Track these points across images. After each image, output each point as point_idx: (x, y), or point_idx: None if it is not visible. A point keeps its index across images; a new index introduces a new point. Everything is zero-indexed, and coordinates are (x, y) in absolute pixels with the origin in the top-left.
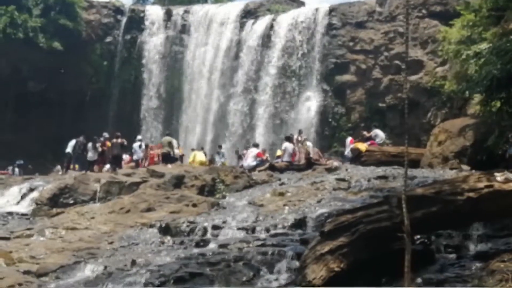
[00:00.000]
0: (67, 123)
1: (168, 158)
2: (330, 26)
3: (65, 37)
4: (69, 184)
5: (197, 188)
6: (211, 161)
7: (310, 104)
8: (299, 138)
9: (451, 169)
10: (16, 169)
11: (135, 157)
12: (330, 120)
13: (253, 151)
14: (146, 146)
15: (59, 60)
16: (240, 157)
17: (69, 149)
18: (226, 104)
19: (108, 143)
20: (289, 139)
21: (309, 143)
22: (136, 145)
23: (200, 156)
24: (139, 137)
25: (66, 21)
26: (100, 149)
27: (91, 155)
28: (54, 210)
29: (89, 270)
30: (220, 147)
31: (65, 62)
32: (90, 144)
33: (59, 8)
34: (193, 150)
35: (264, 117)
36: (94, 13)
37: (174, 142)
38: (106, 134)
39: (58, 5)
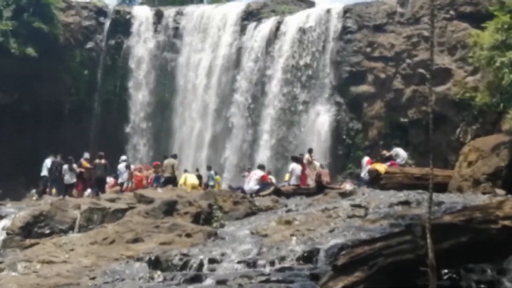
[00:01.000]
0: (43, 140)
1: (171, 183)
2: (344, 30)
3: (40, 42)
4: (44, 211)
5: (191, 216)
6: (207, 184)
7: (322, 119)
8: (310, 158)
9: (484, 193)
10: None
11: (120, 180)
12: (344, 137)
13: (257, 173)
14: (128, 166)
15: (33, 68)
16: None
17: (44, 171)
18: (225, 119)
19: (85, 164)
20: (296, 159)
21: (316, 163)
22: (121, 166)
23: (192, 179)
24: (123, 157)
25: (41, 24)
26: (77, 170)
27: (68, 178)
28: (28, 241)
29: None
30: (209, 168)
31: (40, 70)
32: (66, 166)
33: (33, 10)
34: (186, 171)
35: (268, 134)
36: (73, 15)
37: (177, 164)
38: (86, 155)
39: (31, 6)
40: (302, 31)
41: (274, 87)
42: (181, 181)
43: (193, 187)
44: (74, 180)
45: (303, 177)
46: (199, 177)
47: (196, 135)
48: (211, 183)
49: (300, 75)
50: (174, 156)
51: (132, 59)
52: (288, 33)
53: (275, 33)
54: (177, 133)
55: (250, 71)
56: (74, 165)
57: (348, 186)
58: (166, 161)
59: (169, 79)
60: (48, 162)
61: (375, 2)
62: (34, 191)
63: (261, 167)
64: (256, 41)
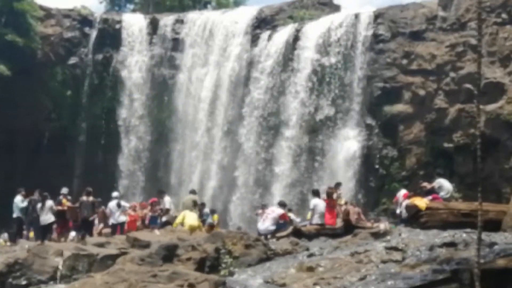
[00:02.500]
0: (18, 175)
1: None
2: (375, 38)
3: (14, 58)
4: (20, 259)
5: (195, 262)
6: (212, 225)
7: (350, 144)
8: (338, 192)
9: None
10: None
11: (111, 220)
12: (376, 166)
13: (276, 211)
14: (119, 204)
15: (5, 89)
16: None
17: (16, 212)
18: (233, 146)
19: (65, 202)
20: (318, 193)
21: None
22: (112, 205)
23: (191, 219)
24: (115, 193)
25: (15, 36)
26: (54, 208)
27: (43, 218)
28: None
29: None
30: (203, 205)
31: (14, 92)
32: (39, 205)
33: (5, 20)
34: (192, 193)
35: (286, 164)
36: (53, 25)
37: (195, 200)
38: (64, 190)
39: (3, 15)
40: (325, 40)
41: (292, 108)
42: (178, 219)
43: (192, 228)
44: (52, 219)
45: (330, 215)
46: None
47: (200, 165)
48: (209, 219)
49: (323, 93)
50: (193, 192)
51: (123, 77)
52: (309, 43)
53: (293, 44)
54: (177, 163)
55: (264, 89)
56: (49, 202)
57: (383, 225)
58: (186, 198)
59: (167, 100)
60: (18, 200)
61: (411, 5)
62: (6, 234)
63: (282, 204)
64: (271, 53)
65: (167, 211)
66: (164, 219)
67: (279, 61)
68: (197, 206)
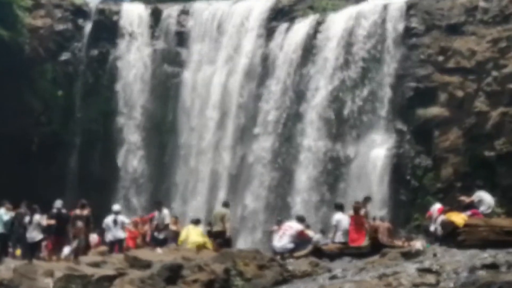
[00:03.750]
0: (3, 186)
1: (224, 241)
2: (407, 32)
3: None
4: (5, 280)
5: (202, 285)
6: (221, 243)
7: (378, 152)
8: (367, 208)
9: None
10: None
11: (109, 237)
12: (408, 177)
13: (293, 227)
14: (115, 221)
15: None
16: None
17: (0, 227)
18: (246, 153)
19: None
20: (342, 207)
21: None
22: (109, 219)
23: (195, 235)
24: (116, 207)
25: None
26: (44, 223)
27: (32, 234)
28: None
29: None
30: (197, 221)
31: None
32: (26, 218)
33: None
34: (195, 223)
35: (305, 172)
36: (43, 17)
37: (225, 214)
38: (58, 203)
39: None
40: (350, 34)
41: (312, 110)
42: (182, 236)
43: (197, 246)
44: (40, 237)
45: (356, 235)
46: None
47: (208, 174)
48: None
49: (348, 93)
50: (226, 204)
51: (121, 75)
52: (332, 37)
53: (314, 37)
54: (182, 170)
55: (281, 88)
56: (37, 216)
57: (419, 244)
58: (215, 211)
59: (171, 101)
60: (1, 213)
61: None
62: None
63: (301, 219)
64: (289, 48)
65: (166, 226)
66: (161, 236)
67: (298, 58)
68: (227, 221)
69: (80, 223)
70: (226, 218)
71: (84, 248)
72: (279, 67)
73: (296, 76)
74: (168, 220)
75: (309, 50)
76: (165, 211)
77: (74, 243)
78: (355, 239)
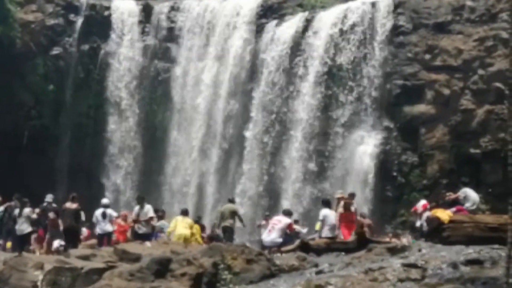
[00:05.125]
0: None
1: (229, 235)
2: (395, 30)
3: None
4: None
5: (190, 278)
6: (213, 237)
7: (364, 149)
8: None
9: None
10: None
11: (97, 230)
12: (394, 173)
13: (282, 221)
14: (104, 214)
15: None
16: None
17: None
18: (236, 149)
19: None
20: (328, 203)
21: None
22: (98, 212)
23: (183, 227)
24: (104, 200)
25: None
26: (33, 216)
27: (21, 227)
28: None
29: None
30: (186, 212)
31: None
32: (16, 211)
33: None
34: (183, 214)
35: (293, 168)
36: (34, 11)
37: (237, 209)
38: (49, 197)
39: None
40: (339, 31)
41: (301, 107)
42: (170, 227)
43: (184, 239)
44: (29, 229)
45: (349, 231)
46: (202, 228)
47: (197, 169)
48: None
49: (336, 90)
50: (232, 201)
51: (111, 70)
52: (321, 35)
53: (303, 35)
54: (171, 167)
55: (270, 84)
56: (27, 210)
57: (406, 240)
58: (224, 207)
59: (161, 97)
60: None
61: None
62: None
63: (288, 213)
64: (278, 45)
65: (149, 220)
66: (141, 231)
67: (287, 55)
68: (237, 217)
69: (51, 214)
70: (237, 213)
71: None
72: (268, 64)
73: (284, 73)
74: (151, 214)
75: (298, 47)
76: (147, 206)
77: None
78: (348, 236)
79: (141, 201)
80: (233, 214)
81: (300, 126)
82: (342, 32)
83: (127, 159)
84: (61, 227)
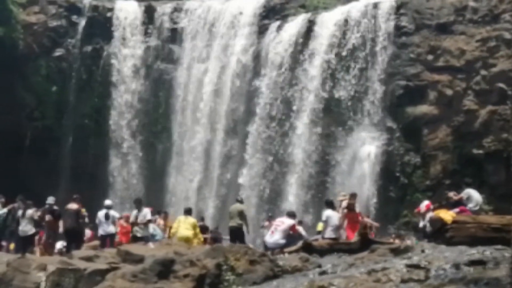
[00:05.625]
0: None
1: (238, 236)
2: (397, 31)
3: None
4: None
5: (193, 279)
6: (215, 238)
7: (367, 149)
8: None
9: None
10: None
11: (100, 231)
12: (397, 174)
13: (286, 223)
14: (107, 215)
15: None
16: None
17: None
18: (238, 150)
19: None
20: (332, 204)
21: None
22: (101, 214)
23: (184, 229)
24: (107, 202)
25: None
26: (36, 217)
27: (24, 229)
28: None
29: None
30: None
31: None
32: (19, 212)
33: None
34: (186, 213)
35: (296, 169)
36: (37, 13)
37: (243, 209)
38: (51, 199)
39: None
40: (341, 32)
41: (304, 106)
42: (173, 228)
43: (185, 240)
44: (32, 231)
45: (353, 232)
46: (205, 228)
47: (201, 171)
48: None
49: (338, 91)
50: (241, 201)
51: (114, 71)
52: (323, 36)
53: (306, 36)
54: (174, 167)
55: (273, 85)
56: (31, 211)
57: (410, 242)
58: (232, 207)
59: (164, 98)
60: None
61: None
62: None
63: (291, 214)
64: (281, 46)
65: (147, 223)
66: (139, 234)
67: (290, 55)
68: (245, 217)
69: (48, 216)
70: (244, 214)
71: (48, 242)
72: (271, 65)
73: (287, 73)
74: (148, 217)
75: (300, 48)
76: (145, 209)
77: (44, 236)
78: (352, 237)
79: (139, 204)
80: (241, 213)
81: (303, 127)
82: (344, 33)
83: (129, 160)
84: (61, 229)
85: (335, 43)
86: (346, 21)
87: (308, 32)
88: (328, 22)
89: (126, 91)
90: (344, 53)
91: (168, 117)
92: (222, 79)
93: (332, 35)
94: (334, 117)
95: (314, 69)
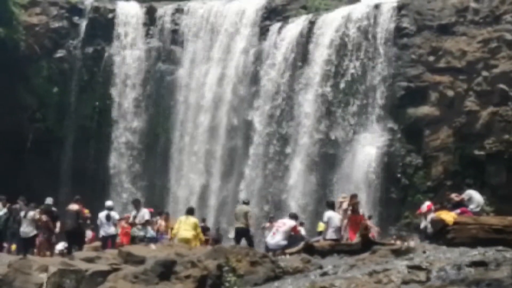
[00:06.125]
0: None
1: (245, 237)
2: (399, 32)
3: None
4: (0, 275)
5: (194, 281)
6: (217, 239)
7: (368, 150)
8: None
9: None
10: None
11: (101, 233)
12: (398, 175)
13: (287, 224)
14: (108, 216)
15: None
16: None
17: None
18: (240, 151)
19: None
20: (333, 205)
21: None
22: (102, 215)
23: (184, 230)
24: (108, 203)
25: None
26: (37, 217)
27: (26, 230)
28: None
29: None
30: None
31: None
32: (22, 213)
33: None
34: (188, 213)
35: (298, 170)
36: (38, 14)
37: (250, 211)
38: (49, 200)
39: None
40: (343, 34)
41: (305, 107)
42: (175, 229)
43: (185, 241)
44: (34, 232)
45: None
46: (206, 229)
47: (202, 173)
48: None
49: (340, 92)
50: (247, 203)
51: (116, 73)
52: (324, 37)
53: (307, 37)
54: (174, 169)
55: (274, 86)
56: (32, 212)
57: (413, 243)
58: (237, 208)
59: (165, 99)
60: None
61: None
62: None
63: (293, 216)
64: (282, 47)
65: (145, 223)
66: (137, 234)
67: (291, 57)
68: (251, 218)
69: (44, 217)
70: (249, 215)
71: (45, 241)
72: (272, 65)
73: (288, 75)
74: (147, 217)
75: (302, 49)
76: (144, 210)
77: (40, 237)
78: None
79: (137, 204)
80: (246, 215)
81: (304, 128)
82: (345, 34)
83: (131, 161)
84: (57, 229)
85: (336, 44)
86: (346, 22)
87: (309, 34)
88: (329, 23)
89: (127, 92)
90: (345, 56)
91: (169, 118)
92: (224, 80)
93: (333, 36)
94: (335, 117)
95: (316, 72)
